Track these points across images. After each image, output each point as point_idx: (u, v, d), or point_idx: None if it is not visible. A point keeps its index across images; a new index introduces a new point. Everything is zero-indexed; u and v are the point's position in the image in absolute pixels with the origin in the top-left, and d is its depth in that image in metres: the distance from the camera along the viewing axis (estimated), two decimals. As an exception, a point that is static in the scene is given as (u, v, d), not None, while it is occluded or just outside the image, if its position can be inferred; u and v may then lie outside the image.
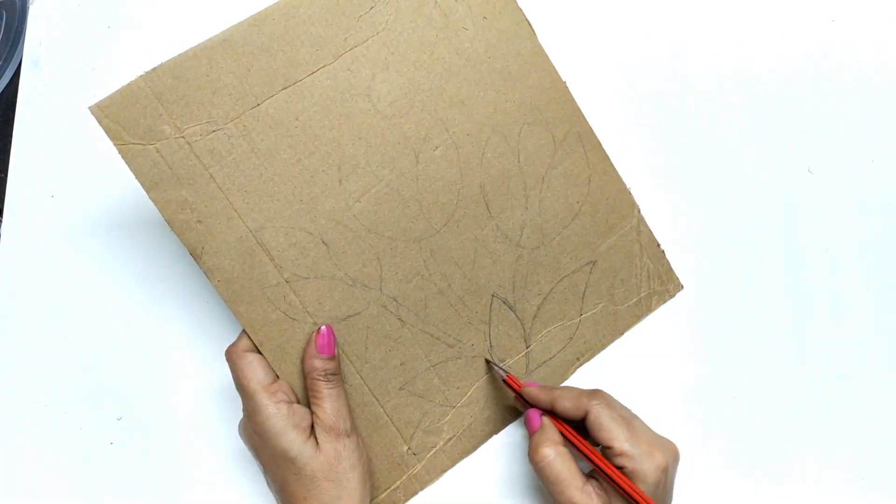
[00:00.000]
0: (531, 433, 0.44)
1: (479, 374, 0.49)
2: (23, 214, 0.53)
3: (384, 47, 0.46)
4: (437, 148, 0.47)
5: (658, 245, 0.52)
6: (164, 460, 0.50)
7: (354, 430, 0.44)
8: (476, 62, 0.47)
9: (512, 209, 0.48)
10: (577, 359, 0.51)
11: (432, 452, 0.48)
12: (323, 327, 0.44)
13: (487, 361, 0.49)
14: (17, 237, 0.52)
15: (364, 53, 0.45)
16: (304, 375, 0.44)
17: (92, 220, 0.52)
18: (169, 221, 0.42)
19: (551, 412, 0.45)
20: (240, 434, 0.44)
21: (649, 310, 0.52)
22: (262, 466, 0.43)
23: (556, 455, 0.42)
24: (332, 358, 0.44)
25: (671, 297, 0.53)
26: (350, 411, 0.44)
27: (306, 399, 0.44)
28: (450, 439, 0.48)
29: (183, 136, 0.42)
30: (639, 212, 0.52)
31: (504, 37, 0.48)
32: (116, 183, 0.52)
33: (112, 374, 0.51)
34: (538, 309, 0.50)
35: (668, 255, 0.53)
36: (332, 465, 0.42)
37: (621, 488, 0.40)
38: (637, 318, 0.52)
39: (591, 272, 0.51)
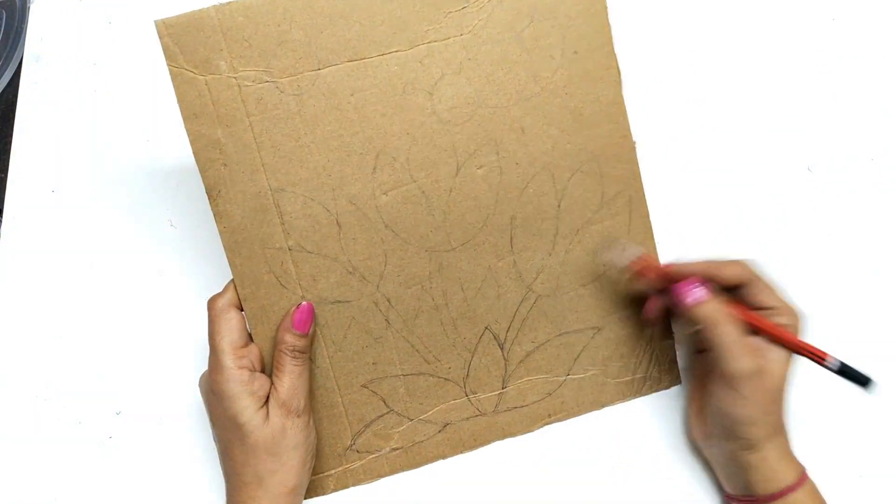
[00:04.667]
0: (694, 302, 0.42)
1: (446, 398, 0.48)
2: (23, 208, 0.53)
3: (463, 50, 0.44)
4: (481, 167, 0.45)
5: (672, 336, 0.50)
6: (162, 455, 0.50)
7: (307, 411, 0.44)
8: (551, 94, 0.45)
9: (535, 251, 0.47)
10: (549, 415, 0.50)
11: (374, 456, 0.48)
12: (304, 303, 0.44)
13: (613, 242, 0.46)
14: (18, 231, 0.53)
15: (441, 51, 0.44)
16: (275, 344, 0.44)
17: (92, 214, 0.53)
18: (196, 155, 0.42)
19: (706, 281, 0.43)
20: (199, 386, 0.45)
21: (638, 393, 0.50)
22: (212, 423, 0.44)
23: (735, 323, 0.42)
24: (305, 336, 0.43)
25: (664, 388, 0.51)
26: (308, 392, 0.44)
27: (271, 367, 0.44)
28: (395, 449, 0.48)
29: (235, 77, 0.41)
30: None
31: (588, 77, 0.46)
32: (117, 177, 0.53)
33: (111, 368, 0.51)
34: (527, 355, 0.48)
35: (666, 252, 0.50)
36: (276, 439, 0.42)
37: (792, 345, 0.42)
38: (623, 396, 0.50)
39: (592, 337, 0.49)
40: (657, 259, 0.45)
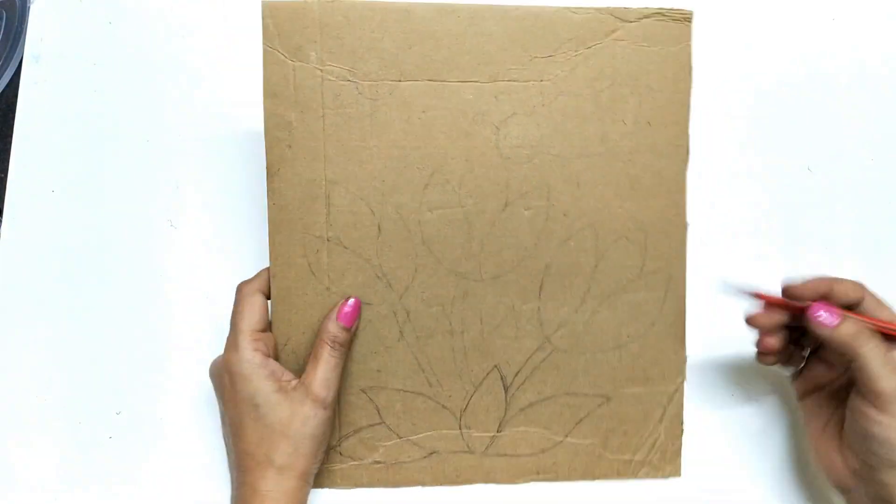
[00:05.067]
0: (832, 325, 0.42)
1: (439, 426, 0.48)
2: (23, 209, 0.53)
3: (539, 96, 0.45)
4: (528, 209, 0.46)
5: (681, 424, 0.49)
6: (162, 455, 0.50)
7: (332, 407, 0.44)
8: (614, 157, 0.46)
9: (561, 304, 0.47)
10: (538, 473, 0.49)
11: (355, 464, 0.48)
12: (352, 300, 0.45)
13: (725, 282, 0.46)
14: (18, 232, 0.52)
15: (518, 91, 0.45)
16: (317, 334, 0.45)
17: (92, 215, 0.53)
18: (266, 132, 0.44)
19: (821, 298, 0.43)
20: (209, 371, 0.46)
21: (633, 475, 0.49)
22: (223, 404, 0.44)
23: (880, 343, 0.41)
24: (347, 330, 0.44)
25: (661, 477, 0.49)
26: (338, 388, 0.44)
27: (287, 353, 0.46)
28: (377, 462, 0.48)
29: (321, 70, 0.44)
30: (682, 383, 0.48)
31: (656, 150, 0.46)
32: (117, 177, 0.53)
33: (111, 369, 0.51)
34: (530, 405, 0.48)
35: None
36: (293, 424, 0.42)
37: None
38: (617, 474, 0.49)
39: (599, 406, 0.48)
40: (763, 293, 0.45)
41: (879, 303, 0.43)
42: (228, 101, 0.54)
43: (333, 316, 0.44)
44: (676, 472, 0.49)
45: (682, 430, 0.49)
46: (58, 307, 0.52)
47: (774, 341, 0.44)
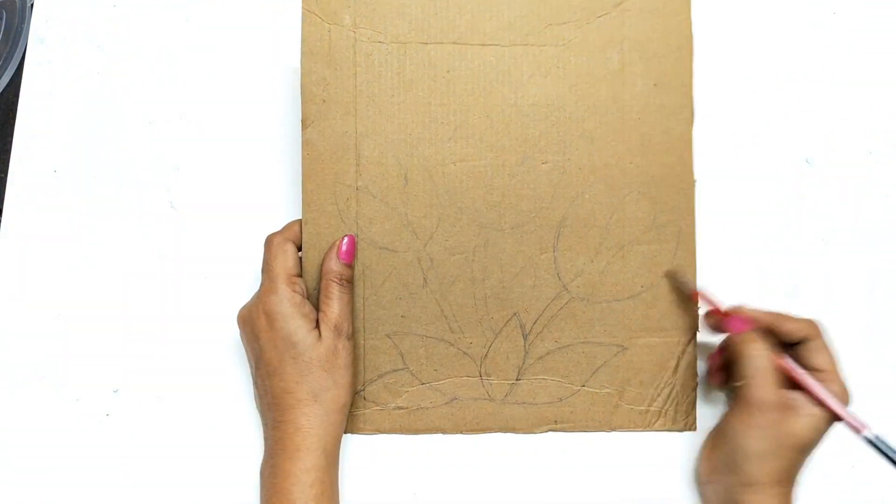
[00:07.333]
0: (738, 331, 0.46)
1: (460, 372, 0.49)
2: (25, 189, 0.54)
3: (554, 59, 0.49)
4: (546, 162, 0.49)
5: (695, 377, 0.50)
6: (159, 432, 0.51)
7: (352, 337, 0.47)
8: (625, 116, 0.49)
9: (577, 254, 0.49)
10: (556, 422, 0.50)
11: (378, 408, 0.49)
12: (347, 238, 0.47)
13: (672, 274, 0.49)
14: (20, 211, 0.53)
15: (534, 54, 0.49)
16: (321, 275, 0.47)
17: (94, 195, 0.54)
18: (302, 87, 0.48)
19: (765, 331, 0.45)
20: (240, 318, 0.47)
21: (649, 427, 0.50)
22: (260, 349, 0.45)
23: (767, 353, 0.44)
24: (350, 266, 0.47)
25: (677, 430, 0.50)
26: (352, 319, 0.47)
27: (316, 298, 0.48)
28: (400, 408, 0.49)
29: (354, 32, 0.48)
30: (695, 335, 0.50)
31: (664, 110, 0.49)
32: (119, 159, 0.54)
33: (109, 347, 0.52)
34: (548, 353, 0.49)
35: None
36: (329, 358, 0.45)
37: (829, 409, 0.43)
38: (633, 425, 0.50)
39: (616, 354, 0.49)
40: (717, 301, 0.48)
41: (823, 348, 0.45)
42: (230, 85, 0.55)
43: (334, 255, 0.47)
44: (692, 425, 0.50)
45: (696, 383, 0.50)
46: (57, 286, 0.53)
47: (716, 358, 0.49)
